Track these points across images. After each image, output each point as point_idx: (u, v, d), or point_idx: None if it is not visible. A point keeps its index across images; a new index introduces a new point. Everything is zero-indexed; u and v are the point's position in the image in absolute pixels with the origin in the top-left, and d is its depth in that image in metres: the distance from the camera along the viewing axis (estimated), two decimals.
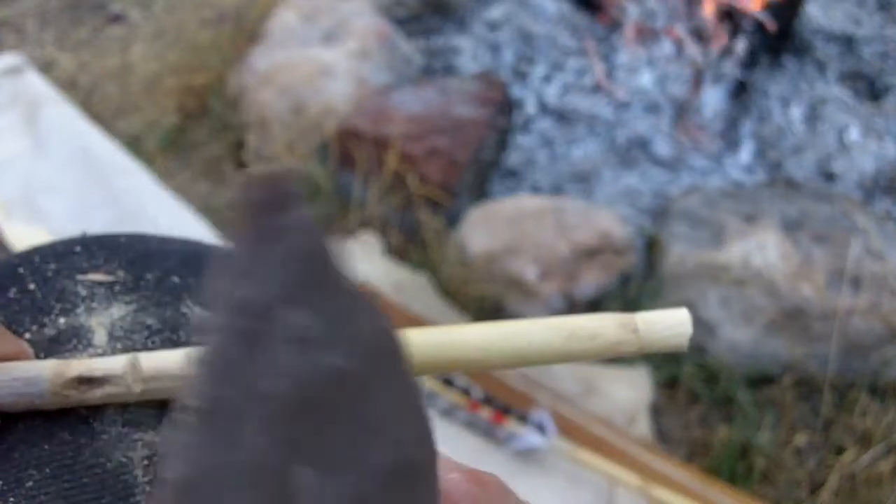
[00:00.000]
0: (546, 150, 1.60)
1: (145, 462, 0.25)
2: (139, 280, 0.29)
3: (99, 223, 1.38)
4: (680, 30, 1.75)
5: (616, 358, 1.27)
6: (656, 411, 1.25)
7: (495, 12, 1.84)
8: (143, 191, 1.47)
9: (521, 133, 1.63)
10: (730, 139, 1.62)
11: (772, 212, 1.37)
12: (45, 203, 1.44)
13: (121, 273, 0.29)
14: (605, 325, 0.25)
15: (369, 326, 0.18)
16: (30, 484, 0.23)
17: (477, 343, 0.25)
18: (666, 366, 1.28)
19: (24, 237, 1.33)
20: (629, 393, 1.24)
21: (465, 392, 1.17)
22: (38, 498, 0.23)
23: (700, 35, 1.74)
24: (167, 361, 0.25)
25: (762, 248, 1.31)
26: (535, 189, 1.53)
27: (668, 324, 0.26)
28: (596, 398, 1.23)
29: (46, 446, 0.24)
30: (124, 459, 0.25)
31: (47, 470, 0.24)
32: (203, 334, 0.16)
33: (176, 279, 0.30)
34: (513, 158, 1.59)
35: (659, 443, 1.21)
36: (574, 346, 0.25)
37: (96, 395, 0.25)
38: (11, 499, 0.23)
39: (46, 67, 1.75)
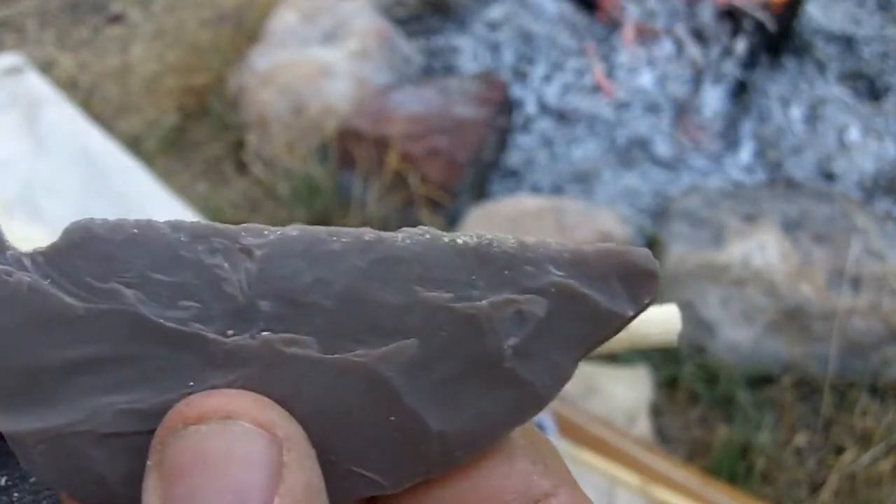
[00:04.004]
0: (546, 150, 1.60)
1: None
2: None
3: None
4: (680, 30, 1.75)
5: (613, 356, 1.27)
6: (656, 411, 1.25)
7: (495, 12, 1.84)
8: (143, 191, 1.47)
9: (521, 133, 1.63)
10: (730, 139, 1.62)
11: (772, 212, 1.37)
12: (45, 203, 1.44)
13: None
14: None
15: None
16: (34, 479, 0.23)
17: None
18: (666, 366, 1.28)
19: (24, 237, 1.33)
20: (629, 393, 1.24)
21: None
22: (42, 493, 0.23)
23: (700, 35, 1.74)
24: None
25: (762, 248, 1.31)
26: (535, 189, 1.54)
27: (659, 320, 0.26)
28: (596, 398, 1.23)
29: None
30: None
31: None
32: None
33: None
34: (513, 158, 1.59)
35: (659, 443, 1.21)
36: None
37: None
38: (16, 494, 0.23)
39: (46, 67, 1.75)
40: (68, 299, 0.18)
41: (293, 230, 0.18)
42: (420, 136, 1.46)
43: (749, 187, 1.53)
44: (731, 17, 1.72)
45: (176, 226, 0.18)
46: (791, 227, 1.34)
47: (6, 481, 0.23)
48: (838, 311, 1.25)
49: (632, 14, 1.78)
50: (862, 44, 1.79)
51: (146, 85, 1.73)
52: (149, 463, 0.16)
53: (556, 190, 1.54)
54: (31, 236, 1.33)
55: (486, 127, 1.51)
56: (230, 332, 0.17)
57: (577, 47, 1.77)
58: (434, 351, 0.18)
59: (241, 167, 1.59)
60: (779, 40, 1.72)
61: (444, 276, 0.18)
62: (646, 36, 1.77)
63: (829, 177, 1.57)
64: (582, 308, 0.18)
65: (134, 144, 1.58)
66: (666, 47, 1.75)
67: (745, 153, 1.61)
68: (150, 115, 1.67)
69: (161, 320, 0.17)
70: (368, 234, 0.18)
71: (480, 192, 1.52)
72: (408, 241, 0.18)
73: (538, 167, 1.57)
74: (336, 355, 0.17)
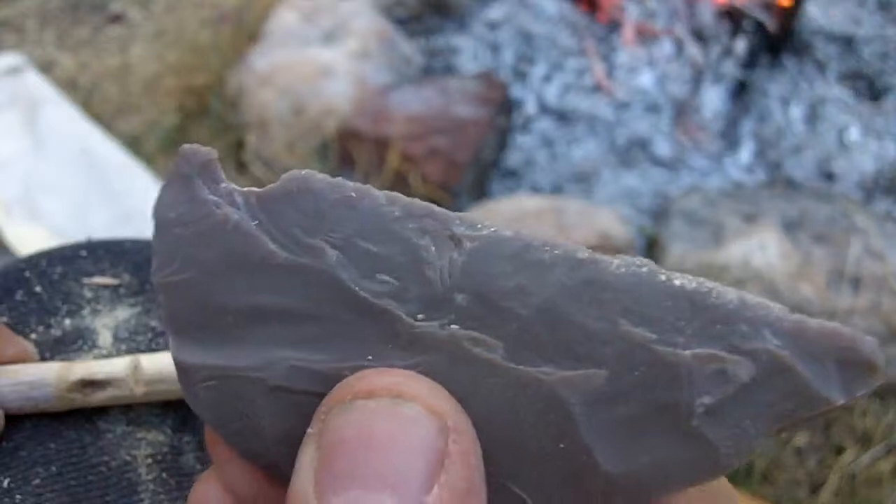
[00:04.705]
0: (546, 150, 1.60)
1: (149, 460, 0.25)
2: (143, 283, 0.30)
3: (99, 223, 1.38)
4: (680, 30, 1.75)
5: None
6: None
7: (495, 12, 1.84)
8: (143, 191, 1.47)
9: (521, 133, 1.63)
10: (730, 139, 1.63)
11: (772, 212, 1.37)
12: (45, 203, 1.44)
13: (126, 277, 0.30)
14: None
15: None
16: (36, 482, 0.23)
17: None
18: None
19: (25, 237, 1.33)
20: None
21: None
22: (45, 495, 0.23)
23: (700, 35, 1.74)
24: (168, 364, 0.25)
25: (762, 248, 1.31)
26: (535, 189, 1.54)
27: None
28: None
29: (53, 445, 0.24)
30: (128, 458, 0.25)
31: (53, 468, 0.24)
32: None
33: None
34: (513, 158, 1.59)
35: None
36: None
37: (99, 397, 0.25)
38: (18, 496, 0.23)
39: (46, 67, 1.75)
40: (271, 245, 0.17)
41: (507, 230, 0.17)
42: (420, 136, 1.46)
43: (749, 187, 1.53)
44: (731, 17, 1.72)
45: (392, 199, 0.18)
46: (791, 227, 1.34)
47: (9, 483, 0.23)
48: (838, 311, 1.25)
49: (632, 14, 1.78)
50: (862, 44, 1.79)
51: (146, 85, 1.73)
52: (310, 430, 0.16)
53: (556, 190, 1.54)
54: (31, 235, 1.33)
55: (486, 127, 1.51)
56: (420, 316, 0.17)
57: (577, 47, 1.77)
58: (622, 388, 0.17)
59: (241, 167, 1.59)
60: (779, 40, 1.72)
61: (651, 314, 0.17)
62: (646, 36, 1.77)
63: (829, 177, 1.57)
64: (789, 383, 0.17)
65: (134, 144, 1.58)
66: (666, 47, 1.75)
67: (745, 153, 1.61)
68: (150, 115, 1.67)
69: (356, 288, 0.17)
70: (582, 251, 0.18)
71: (480, 192, 1.52)
72: (622, 270, 0.18)
73: (538, 167, 1.57)
74: (520, 366, 0.17)
